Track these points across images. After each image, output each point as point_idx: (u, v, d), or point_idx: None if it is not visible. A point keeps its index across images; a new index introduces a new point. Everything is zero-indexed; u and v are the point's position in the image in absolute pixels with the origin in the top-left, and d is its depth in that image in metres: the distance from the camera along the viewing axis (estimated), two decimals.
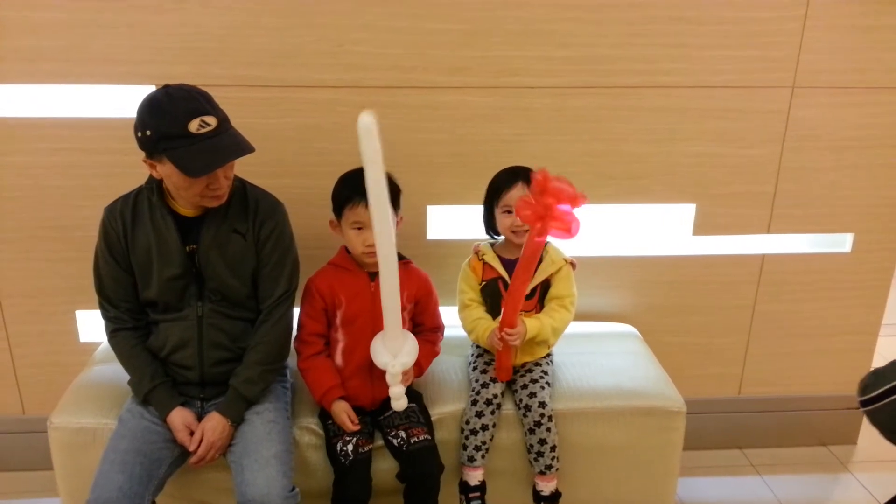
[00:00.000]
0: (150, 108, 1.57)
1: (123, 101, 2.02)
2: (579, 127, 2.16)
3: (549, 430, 1.84)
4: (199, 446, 1.69)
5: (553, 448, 1.85)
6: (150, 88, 2.00)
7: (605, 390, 1.96)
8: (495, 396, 1.88)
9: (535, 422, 1.84)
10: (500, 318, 1.83)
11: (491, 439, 1.88)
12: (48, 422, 1.83)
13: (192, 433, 1.71)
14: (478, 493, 1.87)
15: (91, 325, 2.21)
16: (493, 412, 1.86)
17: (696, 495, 2.32)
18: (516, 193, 1.86)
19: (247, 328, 1.80)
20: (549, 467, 1.85)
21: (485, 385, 1.90)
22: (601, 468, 1.96)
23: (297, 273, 1.85)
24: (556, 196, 1.61)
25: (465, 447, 1.86)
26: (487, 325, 1.88)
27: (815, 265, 2.37)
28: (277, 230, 1.78)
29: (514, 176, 1.89)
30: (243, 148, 1.61)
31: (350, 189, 1.77)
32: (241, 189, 1.77)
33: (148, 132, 1.56)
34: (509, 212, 1.88)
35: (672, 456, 1.99)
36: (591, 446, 1.93)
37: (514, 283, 1.75)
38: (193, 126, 1.54)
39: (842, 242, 2.36)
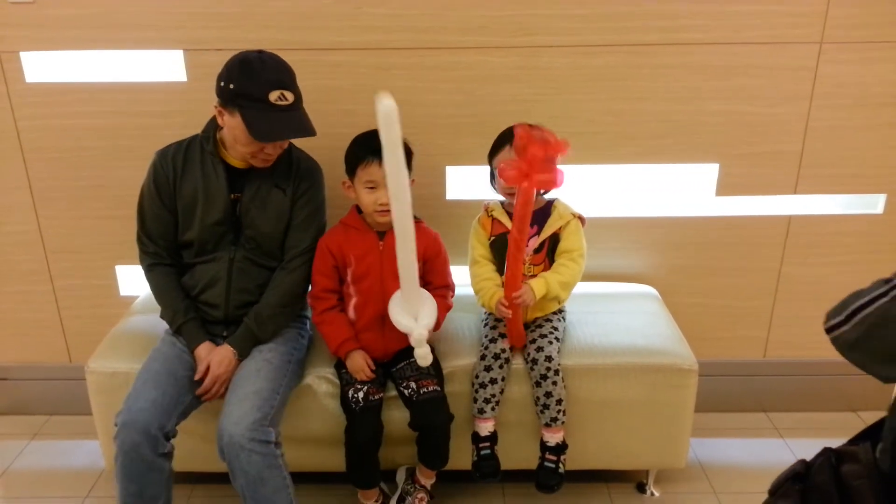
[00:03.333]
0: (241, 66, 1.71)
1: (154, 66, 2.12)
2: (599, 86, 2.15)
3: (554, 383, 1.88)
4: (205, 378, 1.81)
5: (559, 402, 1.89)
6: (178, 53, 2.10)
7: (616, 347, 1.98)
8: (503, 351, 1.92)
9: (541, 375, 1.88)
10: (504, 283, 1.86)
11: (501, 392, 1.92)
12: (86, 367, 1.97)
13: None
14: (488, 444, 1.92)
15: (130, 280, 2.35)
16: (501, 366, 1.91)
17: (717, 456, 2.32)
18: (503, 157, 1.89)
19: (272, 277, 1.92)
20: (554, 420, 1.89)
21: (493, 340, 1.94)
22: (611, 424, 1.99)
23: (323, 234, 1.94)
24: (540, 146, 1.65)
25: (475, 400, 1.92)
26: (493, 290, 1.92)
27: (846, 227, 2.32)
28: (313, 190, 1.92)
29: (501, 139, 1.92)
30: (307, 129, 1.77)
31: (363, 149, 1.83)
32: (287, 149, 1.89)
33: (231, 86, 1.70)
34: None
35: (684, 414, 2.00)
36: (601, 402, 1.96)
37: (510, 247, 1.79)
38: (273, 96, 1.70)
39: (874, 203, 2.30)
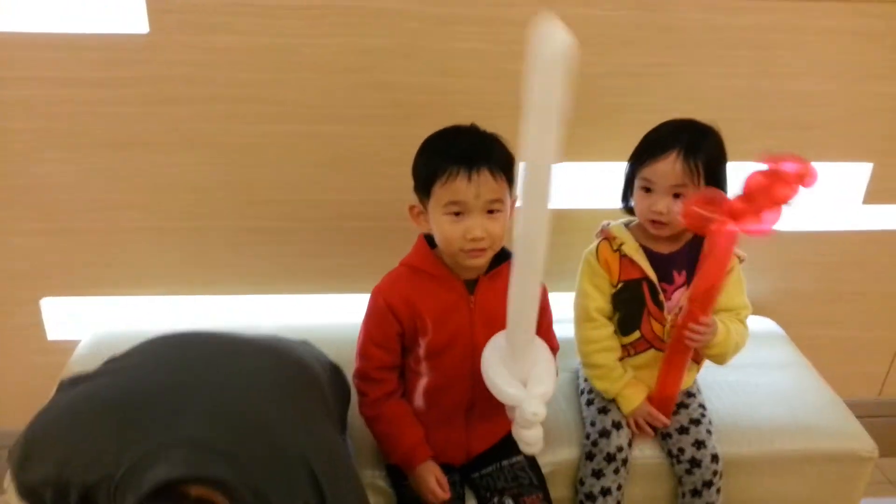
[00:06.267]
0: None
1: (103, 11, 1.39)
2: (739, 56, 1.57)
3: (718, 491, 1.34)
4: None
5: None
6: None
7: (774, 427, 1.46)
8: (620, 449, 1.35)
9: (704, 482, 1.33)
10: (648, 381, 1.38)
11: None
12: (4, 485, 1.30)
13: None
14: None
15: (62, 318, 1.65)
16: (616, 470, 1.34)
17: None
18: (665, 168, 1.28)
19: None
20: None
21: (604, 433, 1.36)
22: None
23: None
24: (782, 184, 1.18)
25: None
26: (619, 372, 1.39)
27: None
28: None
29: (669, 142, 1.30)
30: None
31: (443, 156, 1.17)
32: None
33: None
34: (647, 189, 1.32)
35: None
36: (750, 501, 1.44)
37: (677, 340, 1.30)
38: None
39: None
